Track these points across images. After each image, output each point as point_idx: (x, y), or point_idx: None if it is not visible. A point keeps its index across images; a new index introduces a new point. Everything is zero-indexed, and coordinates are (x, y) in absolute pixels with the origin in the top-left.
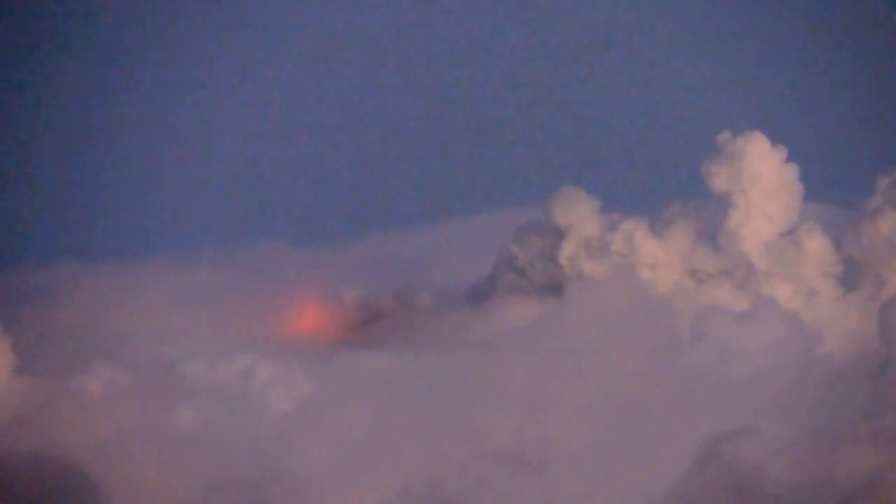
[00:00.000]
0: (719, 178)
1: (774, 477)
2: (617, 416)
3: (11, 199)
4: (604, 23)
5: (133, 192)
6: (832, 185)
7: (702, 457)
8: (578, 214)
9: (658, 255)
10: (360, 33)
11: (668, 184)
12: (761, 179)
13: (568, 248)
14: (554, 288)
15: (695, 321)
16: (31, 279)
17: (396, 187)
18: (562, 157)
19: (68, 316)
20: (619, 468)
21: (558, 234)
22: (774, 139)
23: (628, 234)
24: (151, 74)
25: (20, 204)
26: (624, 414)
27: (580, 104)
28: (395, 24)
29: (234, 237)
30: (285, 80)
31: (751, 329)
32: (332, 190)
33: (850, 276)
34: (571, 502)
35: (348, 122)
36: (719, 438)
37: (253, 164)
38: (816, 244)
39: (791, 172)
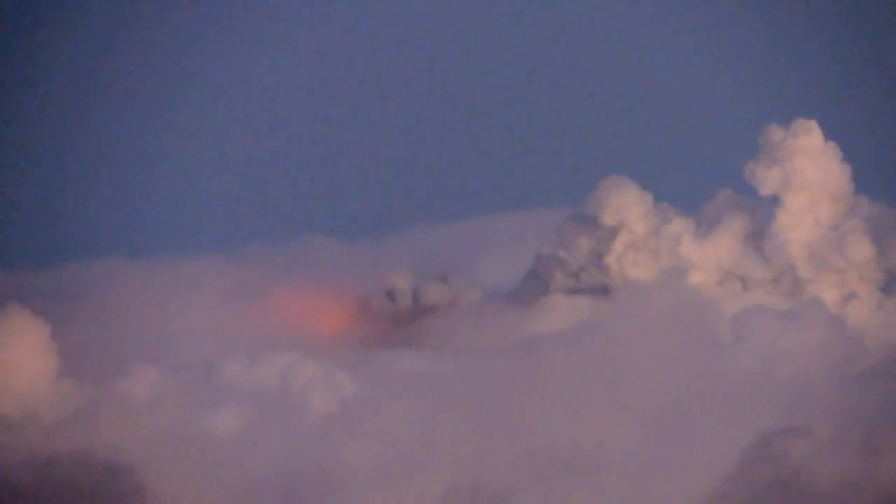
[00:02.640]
0: (766, 174)
1: (821, 476)
2: (664, 416)
3: (62, 195)
4: (648, 9)
5: (181, 189)
6: (882, 181)
7: (749, 456)
8: (626, 205)
9: (704, 259)
10: (404, 27)
11: (714, 173)
12: (811, 177)
13: (616, 248)
14: (601, 288)
15: (739, 322)
16: (79, 274)
17: (433, 183)
18: (603, 150)
19: (113, 314)
20: (665, 468)
21: (604, 229)
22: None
23: (675, 238)
24: (199, 72)
25: (72, 200)
26: (671, 415)
27: (621, 96)
28: (434, 20)
29: (282, 232)
30: (331, 76)
31: (794, 329)
32: (377, 184)
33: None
34: (618, 503)
35: (392, 118)
36: (766, 438)
37: (299, 159)
38: (862, 247)
39: (841, 170)
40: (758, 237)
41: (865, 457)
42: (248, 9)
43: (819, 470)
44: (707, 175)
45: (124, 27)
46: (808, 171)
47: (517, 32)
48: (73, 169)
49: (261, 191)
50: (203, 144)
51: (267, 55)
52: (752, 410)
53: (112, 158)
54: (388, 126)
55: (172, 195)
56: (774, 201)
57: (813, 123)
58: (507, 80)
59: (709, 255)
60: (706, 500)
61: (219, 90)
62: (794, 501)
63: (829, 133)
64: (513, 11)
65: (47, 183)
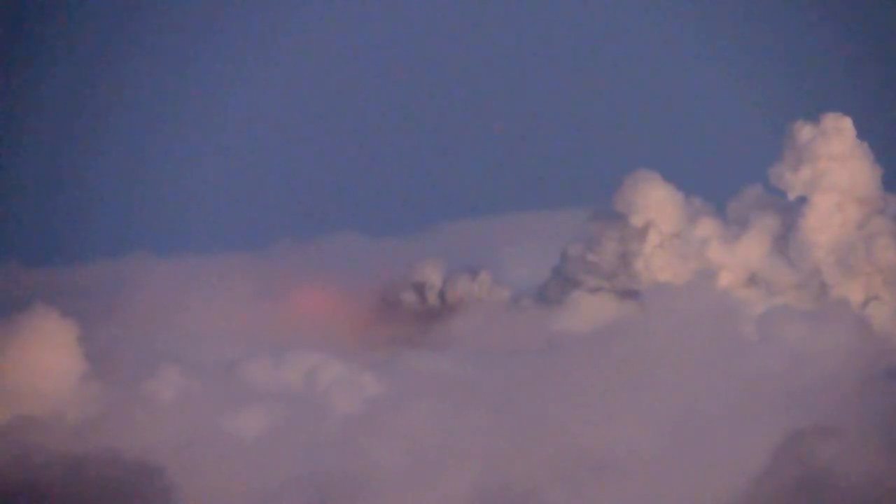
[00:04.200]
0: (794, 177)
1: (848, 475)
2: (692, 417)
3: (90, 192)
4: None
5: (211, 186)
6: None
7: (777, 457)
8: (653, 201)
9: (732, 262)
10: (432, 21)
11: (740, 166)
12: (840, 178)
13: (644, 248)
14: (628, 289)
15: (765, 323)
16: (106, 272)
17: (461, 179)
18: (625, 146)
19: (140, 313)
20: (693, 470)
21: (632, 228)
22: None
23: (703, 241)
24: (228, 68)
25: (100, 197)
26: (699, 416)
27: (645, 90)
28: (461, 15)
29: (311, 228)
30: (362, 72)
31: (821, 331)
32: (406, 180)
33: None
34: (646, 503)
35: (421, 114)
36: (794, 438)
37: (328, 156)
38: (889, 249)
39: (872, 171)
40: (785, 239)
41: (892, 456)
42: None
43: (846, 470)
44: (733, 168)
45: (172, 25)
46: (837, 172)
47: (544, 28)
48: (101, 166)
49: (290, 187)
50: (233, 141)
51: (296, 50)
52: (779, 411)
53: (141, 154)
54: (418, 122)
55: (202, 192)
56: (801, 200)
57: (846, 120)
58: (533, 74)
59: (737, 259)
60: (734, 500)
61: (248, 86)
62: (822, 501)
63: (859, 132)
64: (541, 5)
65: (75, 180)
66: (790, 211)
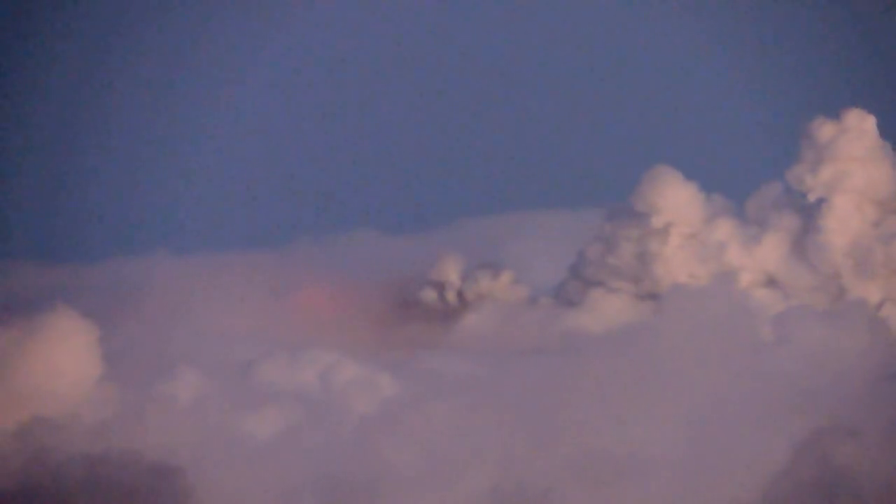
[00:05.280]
0: (814, 179)
1: (866, 476)
2: (710, 419)
3: (108, 189)
4: None
5: (228, 184)
6: None
7: (795, 457)
8: (672, 199)
9: (750, 264)
10: (450, 18)
11: (759, 160)
12: (861, 180)
13: (662, 249)
14: (646, 289)
15: (783, 323)
16: (125, 270)
17: (478, 176)
18: (642, 143)
19: (157, 313)
20: (711, 470)
21: (650, 227)
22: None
23: (722, 245)
24: (248, 66)
25: (118, 194)
26: (716, 417)
27: (663, 86)
28: (482, 12)
29: (329, 226)
30: (381, 68)
31: (838, 331)
32: (423, 177)
33: None
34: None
35: (438, 111)
36: (812, 439)
37: (344, 153)
38: None
39: (892, 170)
40: (804, 240)
41: None
42: None
43: (864, 469)
44: (752, 164)
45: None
46: (858, 173)
47: (565, 25)
48: (120, 163)
49: (307, 185)
50: (250, 140)
51: (316, 48)
52: (797, 412)
53: (160, 152)
54: (435, 119)
55: (219, 190)
56: (821, 201)
57: (870, 119)
58: (554, 71)
59: (756, 261)
60: (752, 501)
61: (266, 84)
62: (840, 502)
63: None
64: (562, 1)
65: (94, 177)
66: (809, 210)
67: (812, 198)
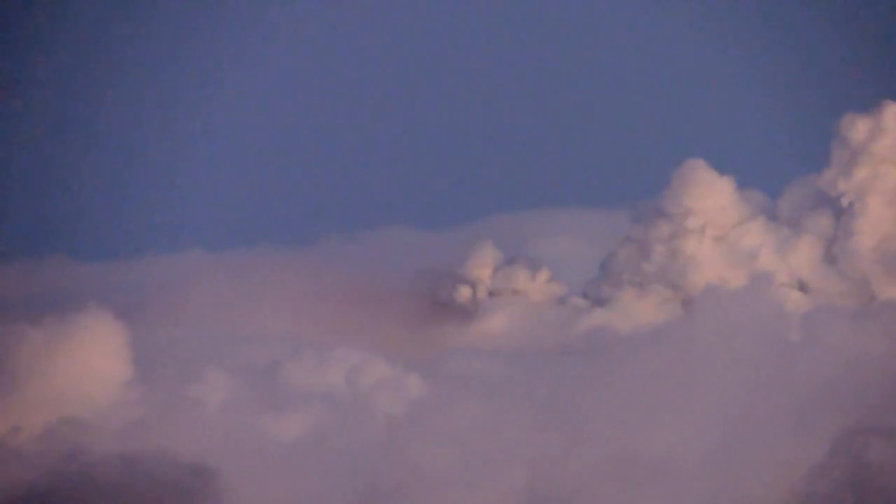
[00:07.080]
0: (846, 184)
1: None
2: (742, 419)
3: (144, 187)
4: None
5: (262, 181)
6: None
7: (828, 457)
8: (705, 195)
9: (783, 267)
10: (481, 19)
11: (794, 158)
12: (892, 175)
13: (694, 248)
14: (677, 289)
15: (812, 324)
16: (158, 268)
17: (511, 172)
18: (672, 138)
19: (188, 313)
20: (744, 471)
21: (682, 227)
22: None
23: (754, 250)
24: (279, 63)
25: (154, 192)
26: (749, 417)
27: (694, 79)
28: (510, 11)
29: (361, 223)
30: (413, 66)
31: (867, 331)
32: (455, 173)
33: None
34: None
35: (470, 107)
36: (845, 438)
37: (377, 149)
38: None
39: None
40: (835, 241)
41: None
42: None
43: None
44: (784, 157)
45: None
46: (891, 174)
47: (595, 24)
48: (154, 160)
49: (337, 182)
50: (281, 137)
51: (347, 44)
52: (829, 412)
53: (192, 149)
54: (466, 116)
55: (251, 187)
56: (852, 203)
57: None
58: (585, 68)
59: (788, 265)
60: (784, 502)
61: (297, 82)
62: (875, 502)
63: None
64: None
65: (126, 174)
66: (841, 210)
67: (845, 202)
